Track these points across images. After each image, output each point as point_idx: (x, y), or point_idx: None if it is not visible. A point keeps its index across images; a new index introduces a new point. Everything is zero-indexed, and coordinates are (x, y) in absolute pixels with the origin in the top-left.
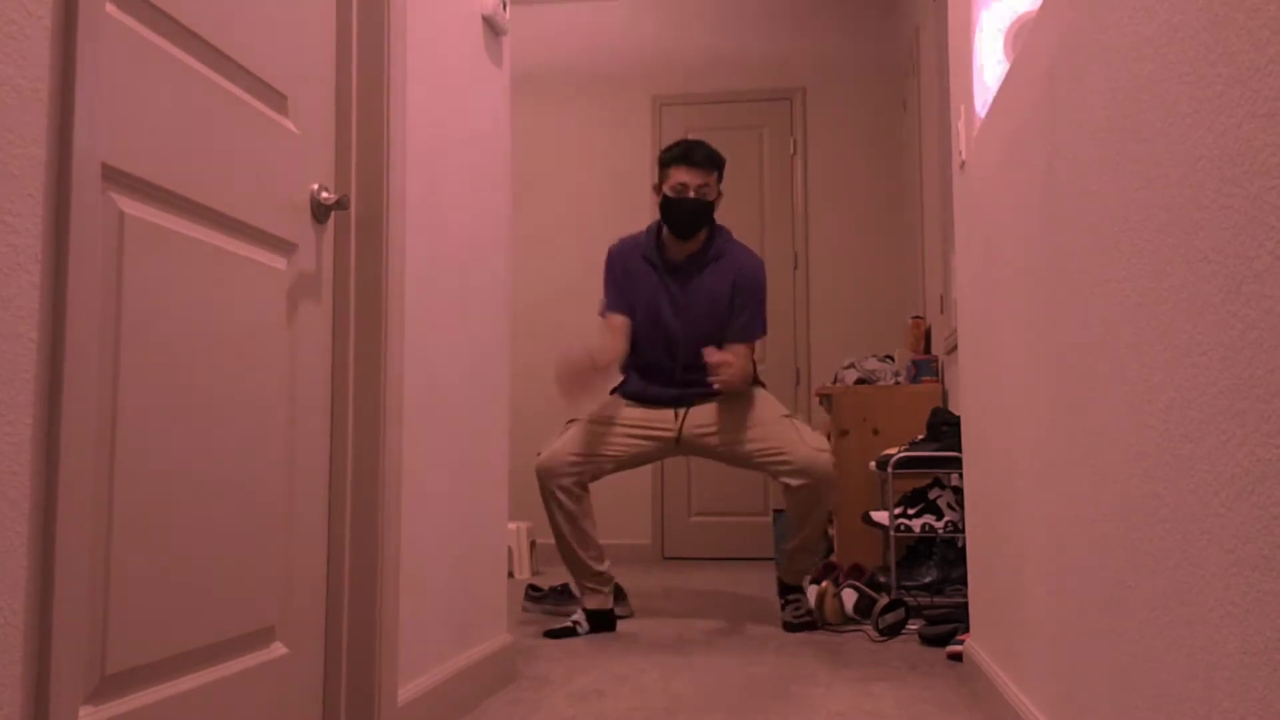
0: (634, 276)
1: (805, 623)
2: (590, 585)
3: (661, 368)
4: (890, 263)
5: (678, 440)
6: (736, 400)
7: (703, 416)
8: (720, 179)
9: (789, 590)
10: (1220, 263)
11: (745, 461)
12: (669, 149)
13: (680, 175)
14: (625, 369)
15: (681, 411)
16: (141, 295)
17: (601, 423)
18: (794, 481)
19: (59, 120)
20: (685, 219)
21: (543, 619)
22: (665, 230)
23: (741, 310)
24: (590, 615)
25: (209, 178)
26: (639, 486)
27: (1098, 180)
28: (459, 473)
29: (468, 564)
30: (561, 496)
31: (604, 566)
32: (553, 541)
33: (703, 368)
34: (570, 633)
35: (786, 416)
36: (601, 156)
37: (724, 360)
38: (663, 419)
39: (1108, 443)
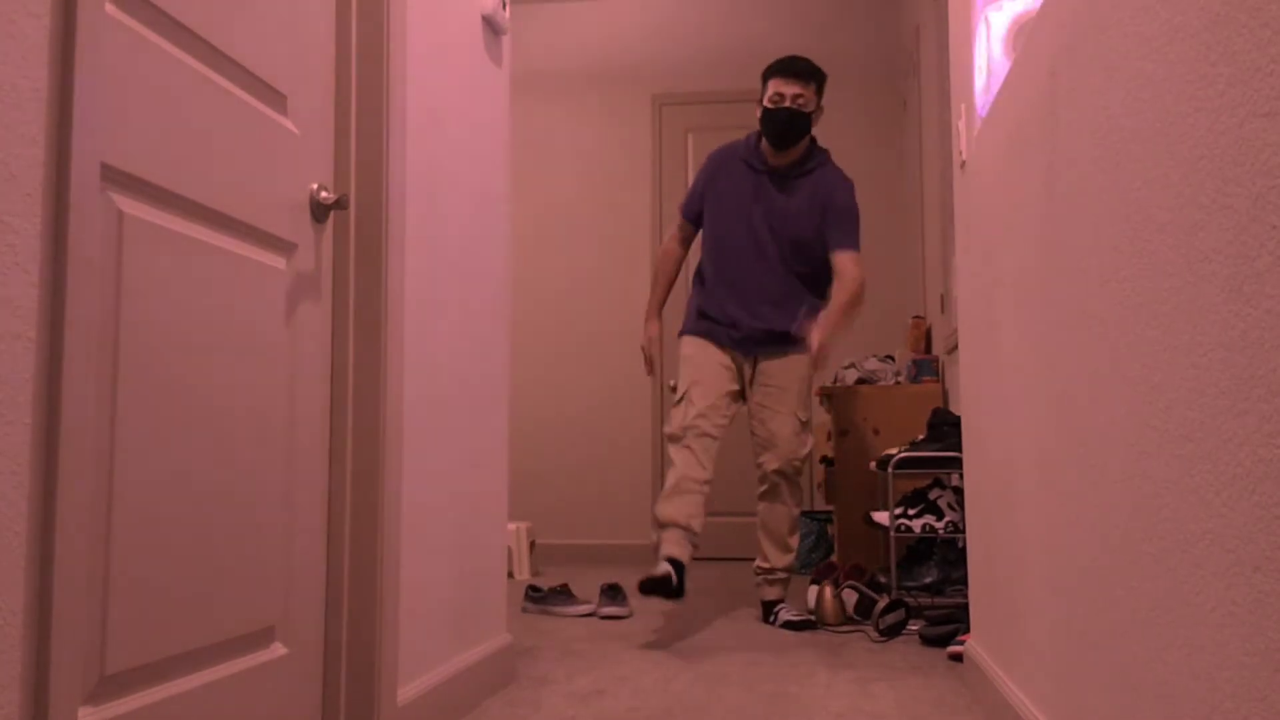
0: (728, 178)
1: (806, 620)
2: (680, 531)
3: (736, 286)
4: (890, 263)
5: (743, 393)
6: (794, 366)
7: (767, 375)
8: (820, 93)
9: (773, 604)
10: (1221, 263)
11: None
12: (771, 64)
13: (777, 85)
14: (697, 290)
15: (750, 364)
16: (140, 295)
17: (704, 373)
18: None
19: (58, 120)
20: (781, 128)
21: (542, 619)
22: (764, 141)
23: (837, 224)
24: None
25: (208, 178)
26: (639, 486)
27: (1098, 180)
28: (459, 473)
29: (468, 564)
30: (699, 444)
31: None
32: (553, 542)
33: (782, 298)
34: (667, 583)
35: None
36: (601, 156)
37: (822, 344)
38: (728, 361)
39: (1108, 443)
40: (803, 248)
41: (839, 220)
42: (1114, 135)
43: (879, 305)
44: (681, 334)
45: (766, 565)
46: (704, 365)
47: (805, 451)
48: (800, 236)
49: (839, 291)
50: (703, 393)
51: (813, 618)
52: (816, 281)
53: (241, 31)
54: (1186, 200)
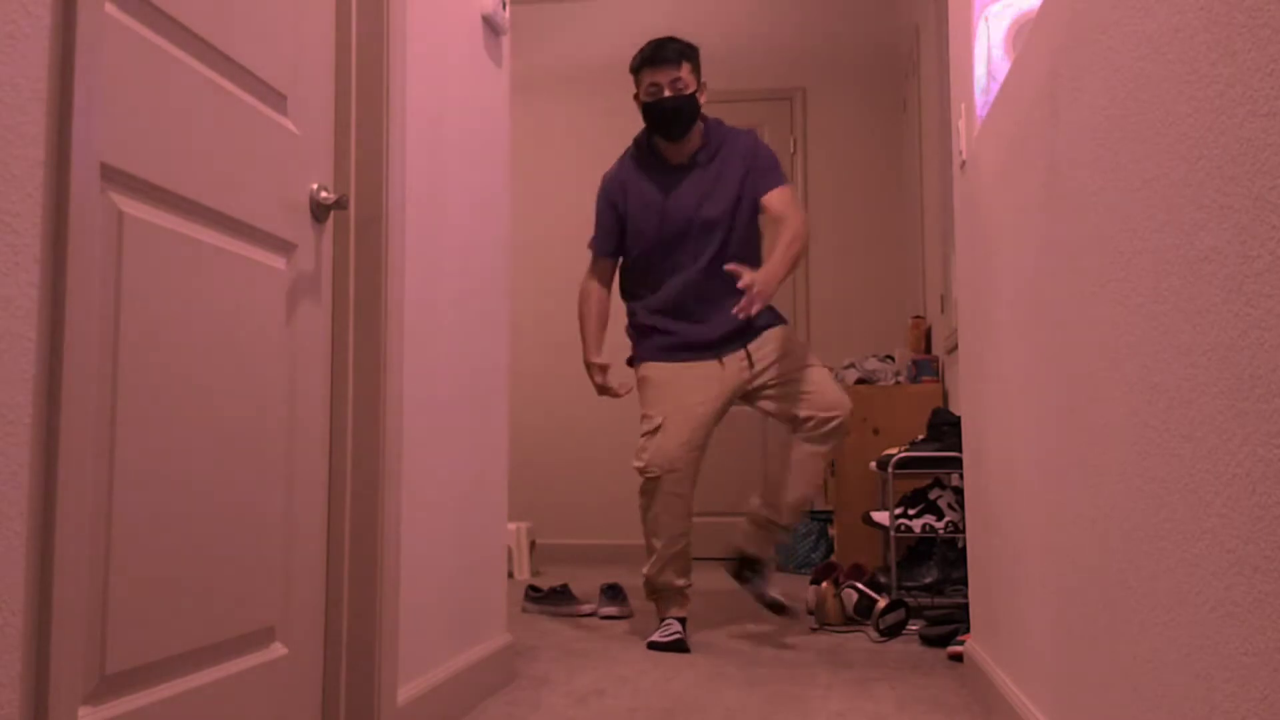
0: (637, 193)
1: (782, 604)
2: (681, 593)
3: (688, 299)
4: (890, 263)
5: (744, 394)
6: (772, 336)
7: (757, 358)
8: (697, 69)
9: (752, 564)
10: (1221, 263)
11: (788, 400)
12: (635, 56)
13: (651, 77)
14: (641, 324)
15: (733, 357)
16: (140, 295)
17: (681, 402)
18: (824, 414)
19: (58, 120)
20: (669, 119)
21: (542, 619)
22: (656, 139)
23: (757, 172)
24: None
25: (208, 178)
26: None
27: (1098, 180)
28: (459, 473)
29: (468, 564)
30: (682, 489)
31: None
32: (553, 542)
33: (730, 298)
34: (682, 645)
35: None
36: (601, 157)
37: (752, 280)
38: (710, 373)
39: (1108, 443)
40: (745, 229)
41: (757, 167)
42: (1114, 135)
43: (879, 305)
44: (638, 361)
45: (768, 515)
46: (676, 387)
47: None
48: (738, 218)
49: (781, 231)
50: (683, 420)
51: (786, 603)
52: (757, 249)
53: (241, 31)
54: (1186, 200)
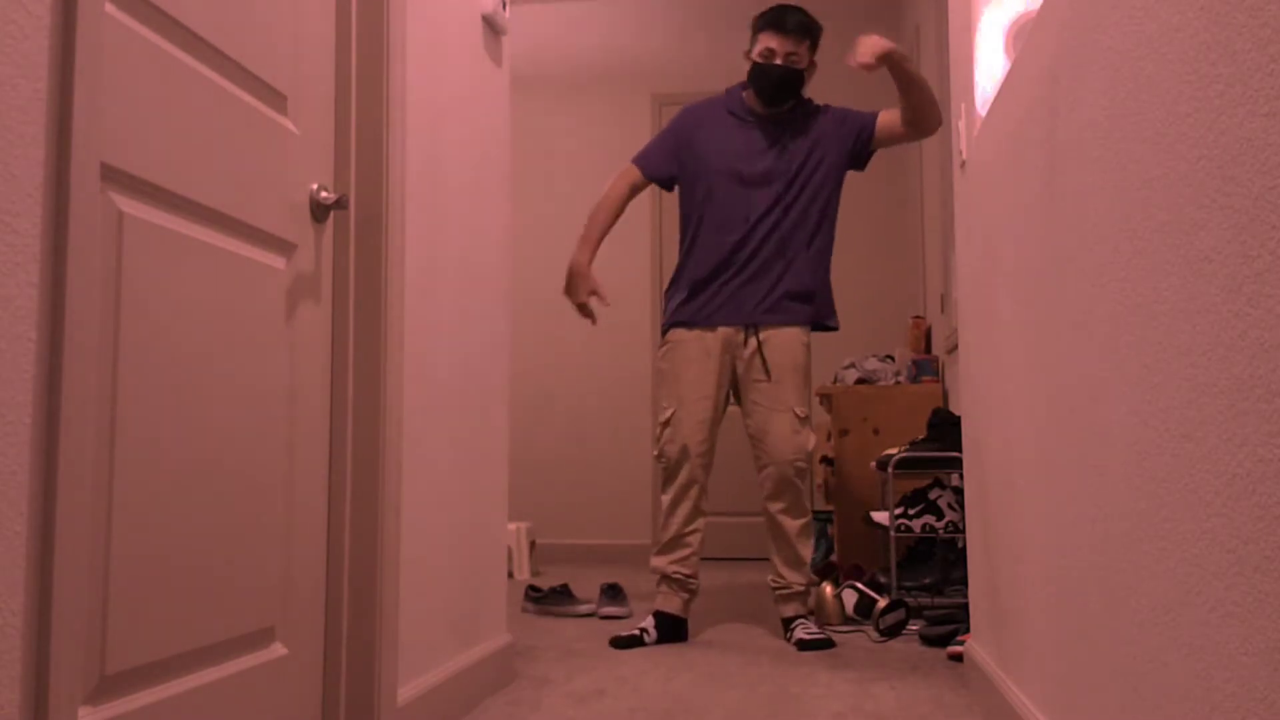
0: (708, 133)
1: (820, 640)
2: (678, 582)
3: (735, 248)
4: (890, 263)
5: (735, 375)
6: (790, 347)
7: (766, 350)
8: (814, 49)
9: (790, 621)
10: (1221, 263)
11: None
12: (761, 14)
13: (768, 41)
14: (680, 277)
15: (747, 335)
16: (141, 295)
17: (694, 386)
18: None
19: (58, 120)
20: (772, 87)
21: (542, 619)
22: (750, 94)
23: (853, 121)
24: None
25: (208, 178)
26: (639, 486)
27: (1098, 180)
28: (459, 473)
29: (468, 564)
30: (701, 477)
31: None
32: (553, 542)
33: (781, 263)
34: (638, 641)
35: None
36: (601, 156)
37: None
38: (721, 349)
39: (1108, 442)
40: (811, 196)
41: (846, 120)
42: (1114, 135)
43: (879, 305)
44: (665, 328)
45: (779, 584)
46: (688, 371)
47: (807, 449)
48: (802, 182)
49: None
50: (688, 413)
51: (830, 637)
52: (824, 243)
53: (241, 31)
54: (1186, 200)
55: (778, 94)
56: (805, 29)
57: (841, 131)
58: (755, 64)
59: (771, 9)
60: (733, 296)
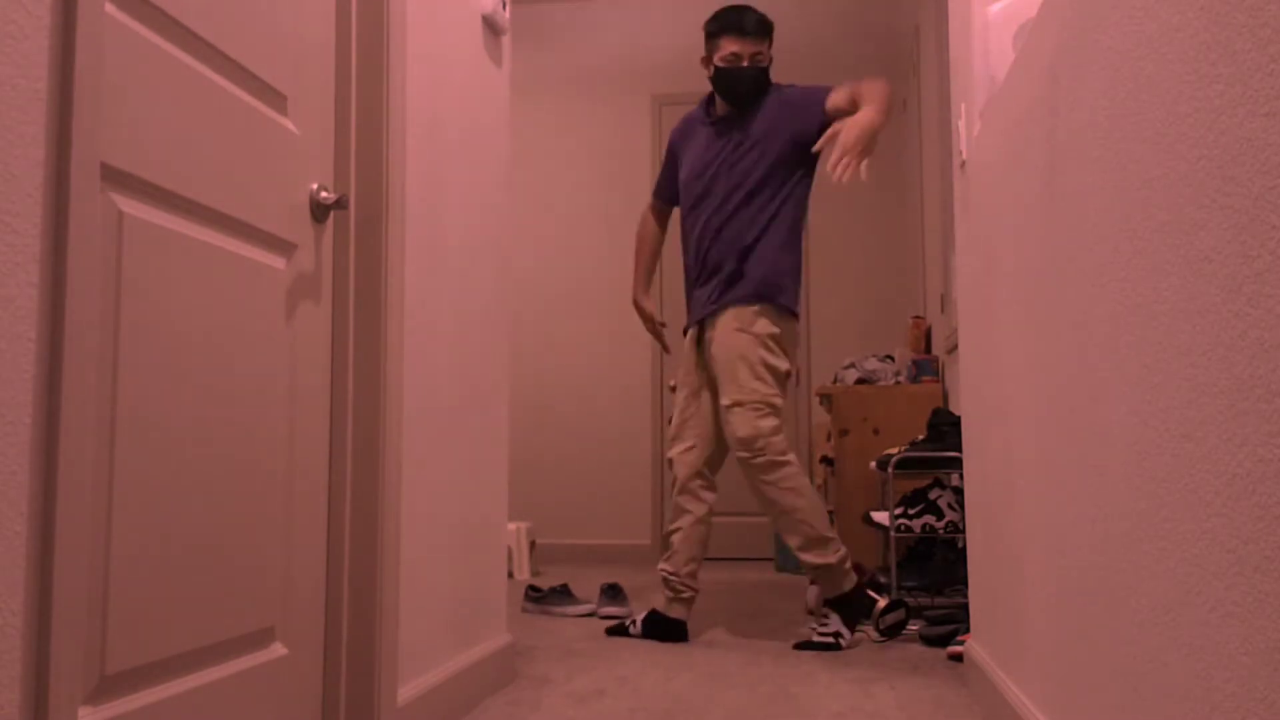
0: (689, 142)
1: (812, 642)
2: (686, 593)
3: (695, 260)
4: (890, 263)
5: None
6: (724, 327)
7: (711, 344)
8: (771, 43)
9: (845, 603)
10: (1221, 263)
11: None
12: (714, 17)
13: (731, 45)
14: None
15: (702, 333)
16: (141, 295)
17: (683, 387)
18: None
19: (58, 120)
20: (745, 89)
21: (542, 619)
22: (719, 101)
23: (812, 93)
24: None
25: (208, 178)
26: (639, 486)
27: (1098, 179)
28: (459, 473)
29: (468, 564)
30: (683, 475)
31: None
32: (553, 542)
33: (734, 260)
34: (623, 630)
35: (744, 359)
36: (601, 156)
37: (838, 129)
38: (692, 343)
39: (1108, 442)
40: (773, 190)
41: (797, 103)
42: (1114, 135)
43: (879, 305)
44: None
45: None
46: (680, 374)
47: (737, 436)
48: (766, 175)
49: (866, 97)
50: (679, 413)
51: (835, 640)
52: (782, 233)
53: (241, 31)
54: (1186, 200)
55: (749, 94)
56: (764, 27)
57: (795, 126)
58: (720, 69)
59: (724, 12)
60: (694, 298)
